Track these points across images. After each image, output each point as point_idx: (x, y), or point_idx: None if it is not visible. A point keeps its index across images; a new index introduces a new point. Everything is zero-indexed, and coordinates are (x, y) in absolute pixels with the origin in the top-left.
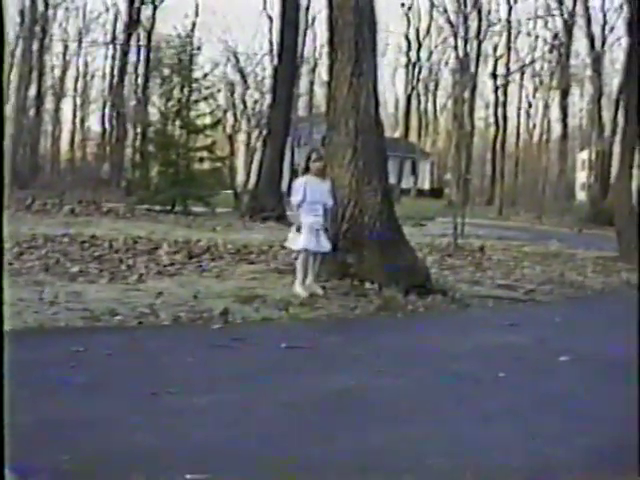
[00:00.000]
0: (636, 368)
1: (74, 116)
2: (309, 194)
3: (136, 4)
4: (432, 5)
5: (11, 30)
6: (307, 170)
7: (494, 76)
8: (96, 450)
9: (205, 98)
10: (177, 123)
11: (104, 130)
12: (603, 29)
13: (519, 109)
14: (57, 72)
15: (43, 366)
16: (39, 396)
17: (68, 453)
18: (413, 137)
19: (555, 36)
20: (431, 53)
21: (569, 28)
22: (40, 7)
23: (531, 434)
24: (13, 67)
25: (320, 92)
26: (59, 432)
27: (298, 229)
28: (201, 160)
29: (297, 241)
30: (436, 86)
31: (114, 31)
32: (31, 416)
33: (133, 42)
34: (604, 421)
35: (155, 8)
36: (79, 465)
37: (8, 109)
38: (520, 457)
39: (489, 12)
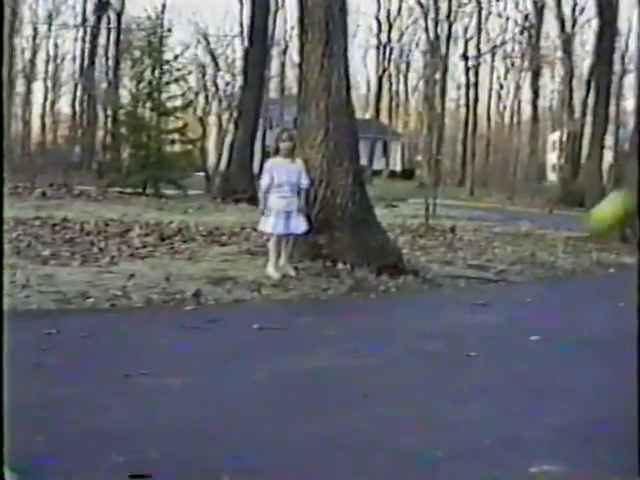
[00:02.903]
0: (600, 346)
1: (45, 99)
2: (276, 176)
3: None
4: None
5: None
6: (277, 151)
7: (465, 57)
8: (68, 431)
9: (176, 80)
10: (148, 105)
11: (75, 113)
12: (573, 11)
13: (490, 90)
14: (27, 55)
15: (15, 349)
16: (11, 379)
17: (40, 435)
18: (384, 118)
19: (525, 17)
20: (402, 34)
21: (539, 9)
22: None
23: (500, 413)
24: None
25: (291, 74)
26: (31, 414)
27: (262, 212)
28: (172, 142)
29: (266, 224)
30: (407, 67)
31: (84, 13)
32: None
33: (103, 24)
34: (573, 399)
35: None
36: (51, 446)
37: None
38: (490, 435)
39: None
